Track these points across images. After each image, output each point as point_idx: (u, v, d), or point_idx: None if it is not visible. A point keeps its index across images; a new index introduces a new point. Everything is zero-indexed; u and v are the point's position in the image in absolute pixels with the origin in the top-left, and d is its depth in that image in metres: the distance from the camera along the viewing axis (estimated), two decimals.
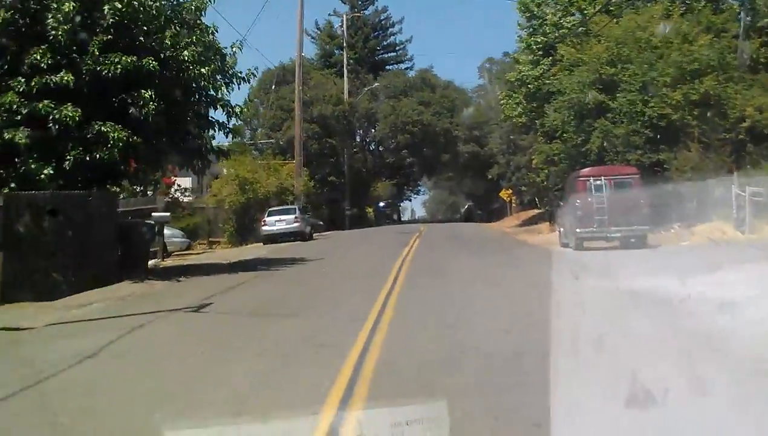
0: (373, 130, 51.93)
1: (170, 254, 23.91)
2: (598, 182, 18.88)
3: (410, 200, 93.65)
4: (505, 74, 36.06)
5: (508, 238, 30.41)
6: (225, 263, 18.85)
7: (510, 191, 50.30)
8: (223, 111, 17.48)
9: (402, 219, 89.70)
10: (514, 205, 51.71)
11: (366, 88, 53.06)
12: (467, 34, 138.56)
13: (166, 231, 24.22)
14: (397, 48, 62.76)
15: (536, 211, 48.01)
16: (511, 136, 43.49)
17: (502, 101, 32.74)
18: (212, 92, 16.89)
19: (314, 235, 39.17)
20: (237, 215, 31.86)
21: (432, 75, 56.55)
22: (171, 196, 29.55)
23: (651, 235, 19.31)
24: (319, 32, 62.69)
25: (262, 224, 30.01)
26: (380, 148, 56.22)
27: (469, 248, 22.83)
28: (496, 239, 29.56)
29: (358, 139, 57.13)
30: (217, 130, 18.07)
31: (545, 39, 29.39)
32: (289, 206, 32.05)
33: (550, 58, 29.14)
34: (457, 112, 53.34)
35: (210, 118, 17.67)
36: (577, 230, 19.00)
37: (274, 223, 29.77)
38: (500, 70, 72.43)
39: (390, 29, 62.66)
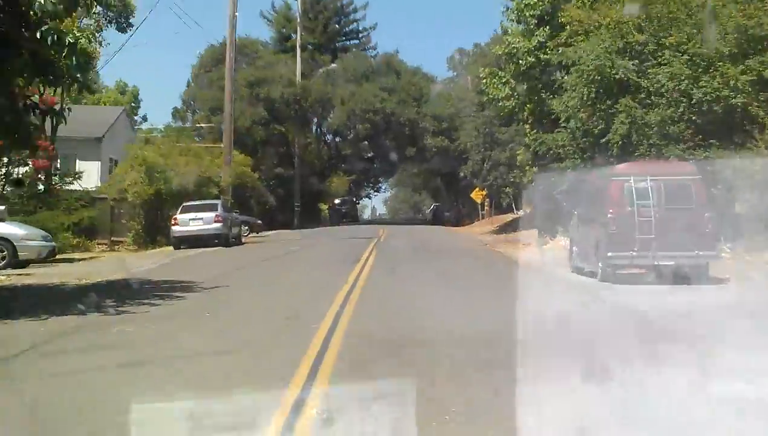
0: (329, 118, 45.20)
1: (25, 262, 17.00)
2: (642, 185, 12.69)
3: (370, 198, 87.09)
4: (492, 47, 29.87)
5: (486, 251, 24.17)
6: (64, 288, 12.14)
7: (483, 192, 44.28)
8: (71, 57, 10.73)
9: (361, 218, 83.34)
10: (486, 207, 45.69)
11: (321, 69, 46.41)
12: (436, 23, 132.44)
13: (19, 231, 17.31)
14: (360, 35, 56.27)
15: (512, 215, 42.23)
16: (488, 130, 37.44)
17: (484, 81, 26.37)
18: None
19: (251, 236, 32.51)
20: (145, 211, 24.94)
21: (398, 60, 50.18)
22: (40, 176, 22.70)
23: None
24: (275, 14, 55.77)
25: (173, 222, 23.21)
26: (337, 139, 49.64)
27: (442, 269, 16.50)
28: (472, 253, 23.26)
29: (312, 127, 50.39)
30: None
31: (542, 4, 23.18)
32: (210, 202, 25.21)
33: (548, 27, 22.99)
34: (425, 102, 47.01)
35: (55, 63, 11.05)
36: (609, 254, 12.77)
37: (188, 222, 23.02)
38: (471, 61, 66.94)
39: (353, 15, 56.14)
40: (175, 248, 22.79)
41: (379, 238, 30.32)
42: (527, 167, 27.86)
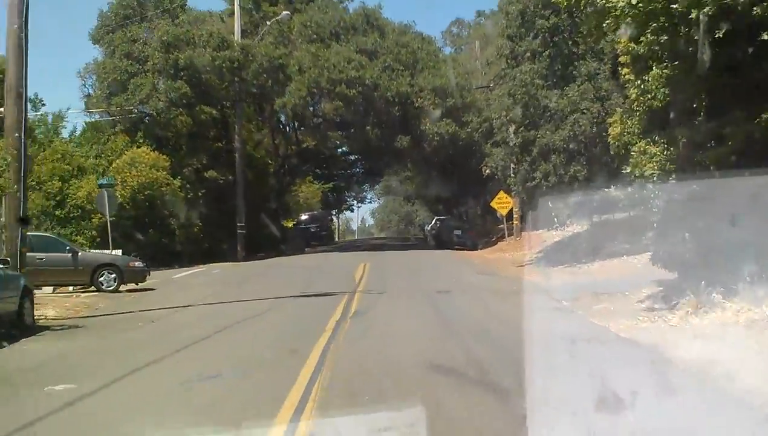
0: (285, 95, 30.41)
1: None
2: None
3: (352, 211, 72.33)
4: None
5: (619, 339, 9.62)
6: None
7: (510, 199, 29.86)
8: None
9: (341, 238, 68.27)
10: (515, 220, 31.17)
11: (270, 22, 31.64)
12: None
13: None
14: None
15: (552, 232, 27.95)
16: (531, 94, 22.95)
17: None
18: None
19: (120, 289, 17.88)
20: None
21: (381, 17, 35.66)
22: None
23: None
24: None
25: None
26: (301, 128, 34.84)
27: None
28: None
29: (264, 110, 35.56)
30: None
31: None
32: None
33: None
34: (421, 71, 32.42)
35: None
36: None
37: None
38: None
39: None
40: None
41: (355, 286, 16.06)
42: (636, 147, 13.36)
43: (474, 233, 33.31)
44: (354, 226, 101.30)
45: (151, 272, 19.08)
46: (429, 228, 40.33)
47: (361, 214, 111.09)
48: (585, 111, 21.39)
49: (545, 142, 22.70)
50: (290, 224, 40.53)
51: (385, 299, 14.21)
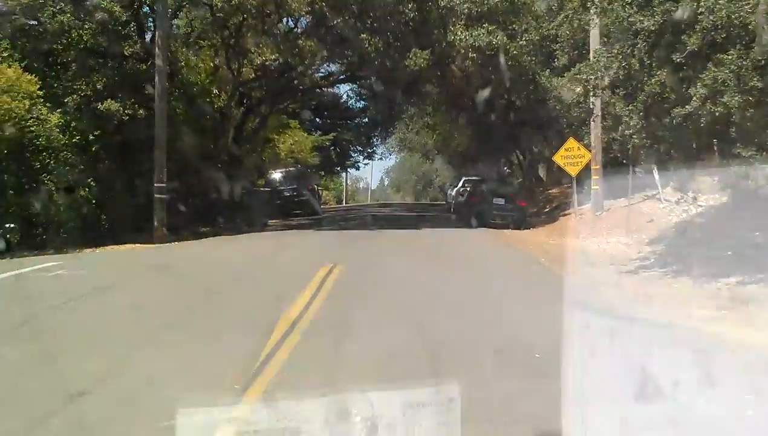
0: None
1: None
2: None
3: (357, 168, 59.83)
4: None
5: None
6: None
7: (586, 152, 18.61)
8: None
9: (335, 203, 56.47)
10: (593, 185, 19.53)
11: None
12: None
13: None
14: None
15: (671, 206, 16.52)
16: None
17: None
18: None
19: None
20: None
21: None
22: None
23: None
24: None
25: None
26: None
27: None
28: None
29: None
30: None
31: None
32: None
33: None
34: None
35: None
36: None
37: None
38: None
39: None
40: None
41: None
42: None
43: (525, 201, 21.48)
44: (370, 186, 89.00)
45: None
46: (454, 193, 28.60)
47: (379, 173, 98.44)
48: None
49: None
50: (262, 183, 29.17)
51: None
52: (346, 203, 61.52)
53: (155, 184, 19.37)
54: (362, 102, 41.20)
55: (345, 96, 44.43)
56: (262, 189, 23.61)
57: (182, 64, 21.28)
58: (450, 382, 3.55)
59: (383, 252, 14.63)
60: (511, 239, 18.01)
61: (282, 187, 26.90)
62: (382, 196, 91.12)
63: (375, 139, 51.23)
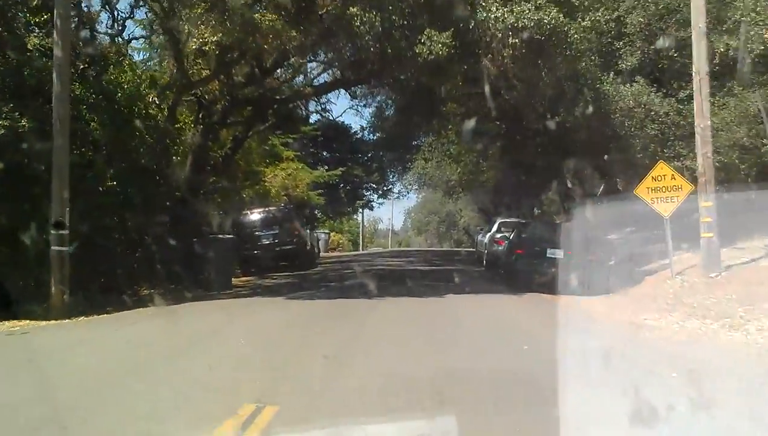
0: None
1: None
2: None
3: (371, 208, 52.68)
4: None
5: None
6: None
7: (686, 183, 12.04)
8: None
9: (349, 249, 49.17)
10: (704, 232, 12.80)
11: None
12: None
13: None
14: None
15: None
16: None
17: None
18: None
19: None
20: None
21: None
22: None
23: None
24: None
25: None
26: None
27: None
28: None
29: None
30: None
31: None
32: None
33: None
34: None
35: None
36: None
37: None
38: None
39: None
40: None
41: None
42: None
43: (595, 253, 14.56)
44: (391, 227, 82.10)
45: None
46: (487, 240, 21.91)
47: (385, 218, 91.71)
48: None
49: None
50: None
51: None
52: (363, 248, 54.99)
53: (52, 231, 13.10)
54: (373, 133, 35.10)
55: (352, 124, 38.56)
56: (224, 236, 17.25)
57: (103, 56, 15.07)
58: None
59: (373, 360, 8.01)
60: (584, 315, 11.34)
61: (259, 233, 20.44)
62: (404, 238, 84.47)
63: (391, 175, 44.93)
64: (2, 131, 13.08)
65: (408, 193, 58.00)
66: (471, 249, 29.47)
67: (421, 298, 13.90)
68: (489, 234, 21.93)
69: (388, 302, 13.14)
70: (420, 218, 74.32)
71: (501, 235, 20.31)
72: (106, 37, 17.63)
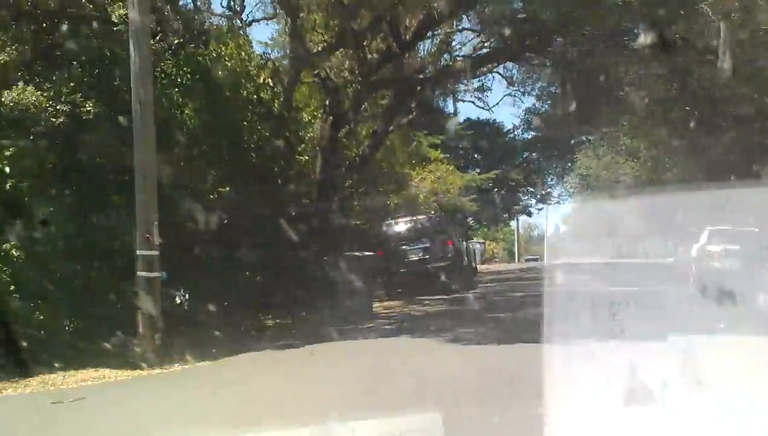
0: None
1: None
2: None
3: (530, 215, 46.99)
4: None
5: None
6: None
7: None
8: None
9: (504, 261, 43.54)
10: None
11: None
12: None
13: None
14: None
15: None
16: None
17: None
18: None
19: None
20: None
21: None
22: None
23: None
24: None
25: None
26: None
27: None
28: None
29: None
30: None
31: None
32: None
33: None
34: None
35: None
36: None
37: None
38: None
39: None
40: None
41: None
42: None
43: None
44: (545, 235, 75.62)
45: None
46: (693, 254, 16.29)
47: (551, 223, 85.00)
48: None
49: None
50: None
51: None
52: (518, 260, 49.80)
53: (138, 251, 9.90)
54: (528, 130, 30.55)
55: (505, 122, 34.40)
56: (363, 254, 13.48)
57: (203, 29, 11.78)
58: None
59: None
60: None
61: (406, 247, 16.48)
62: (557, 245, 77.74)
63: (549, 178, 39.80)
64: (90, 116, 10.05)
65: (568, 197, 52.01)
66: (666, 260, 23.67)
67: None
68: (697, 246, 16.48)
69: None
70: (582, 223, 67.66)
71: (720, 247, 14.89)
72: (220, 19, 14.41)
